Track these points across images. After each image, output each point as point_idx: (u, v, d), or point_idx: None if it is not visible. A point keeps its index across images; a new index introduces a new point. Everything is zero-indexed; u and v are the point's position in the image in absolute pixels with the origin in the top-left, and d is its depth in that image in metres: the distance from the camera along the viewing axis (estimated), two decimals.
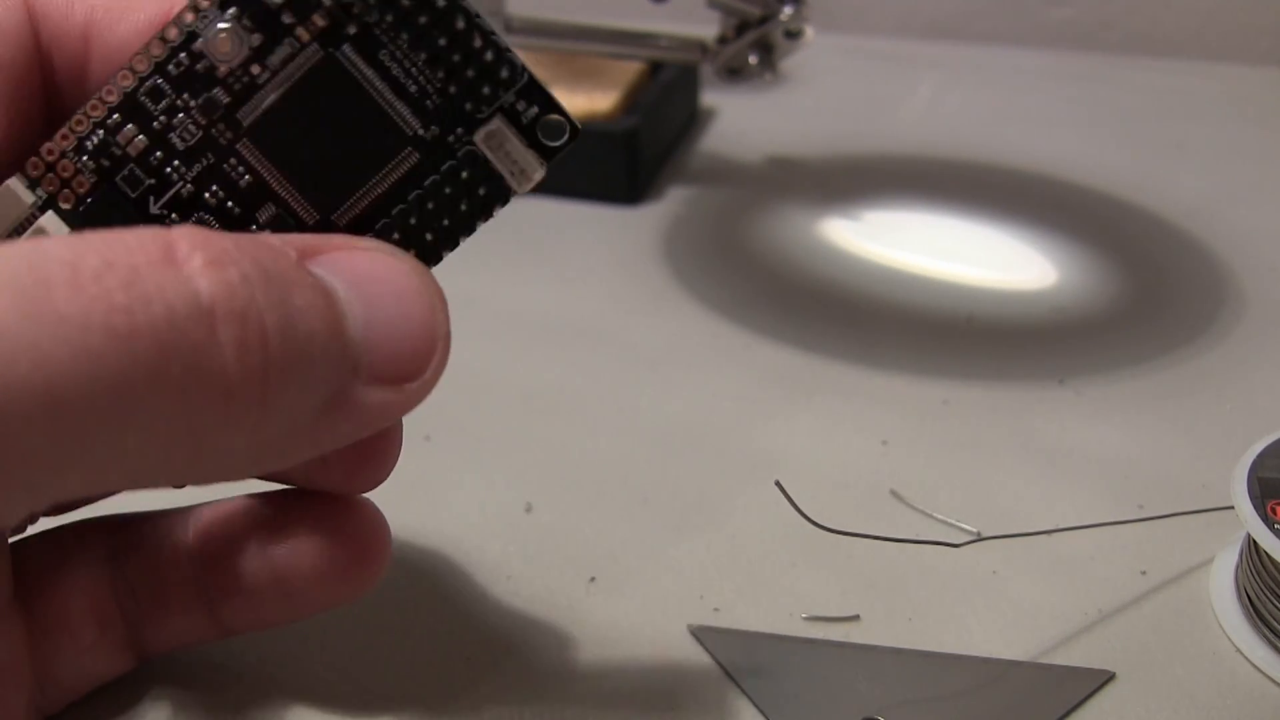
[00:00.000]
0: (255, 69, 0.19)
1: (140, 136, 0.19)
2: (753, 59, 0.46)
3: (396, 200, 0.19)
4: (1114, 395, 0.35)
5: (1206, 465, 0.31)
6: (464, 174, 0.19)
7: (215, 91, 0.19)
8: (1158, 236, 0.44)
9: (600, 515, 0.29)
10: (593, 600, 0.27)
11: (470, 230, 0.20)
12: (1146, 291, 0.41)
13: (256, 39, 0.19)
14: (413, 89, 0.19)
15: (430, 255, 0.20)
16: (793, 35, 0.45)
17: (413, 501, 0.30)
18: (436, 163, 0.19)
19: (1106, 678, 0.25)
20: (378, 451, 0.22)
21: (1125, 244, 0.44)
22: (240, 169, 0.19)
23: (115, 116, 0.19)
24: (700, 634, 0.26)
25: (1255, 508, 0.25)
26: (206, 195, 0.19)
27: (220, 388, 0.15)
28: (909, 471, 0.31)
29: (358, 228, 0.19)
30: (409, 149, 0.19)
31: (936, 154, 0.51)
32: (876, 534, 0.26)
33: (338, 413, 0.17)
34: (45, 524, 0.23)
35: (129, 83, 0.19)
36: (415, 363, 0.17)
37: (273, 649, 0.25)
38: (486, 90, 0.19)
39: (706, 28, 0.46)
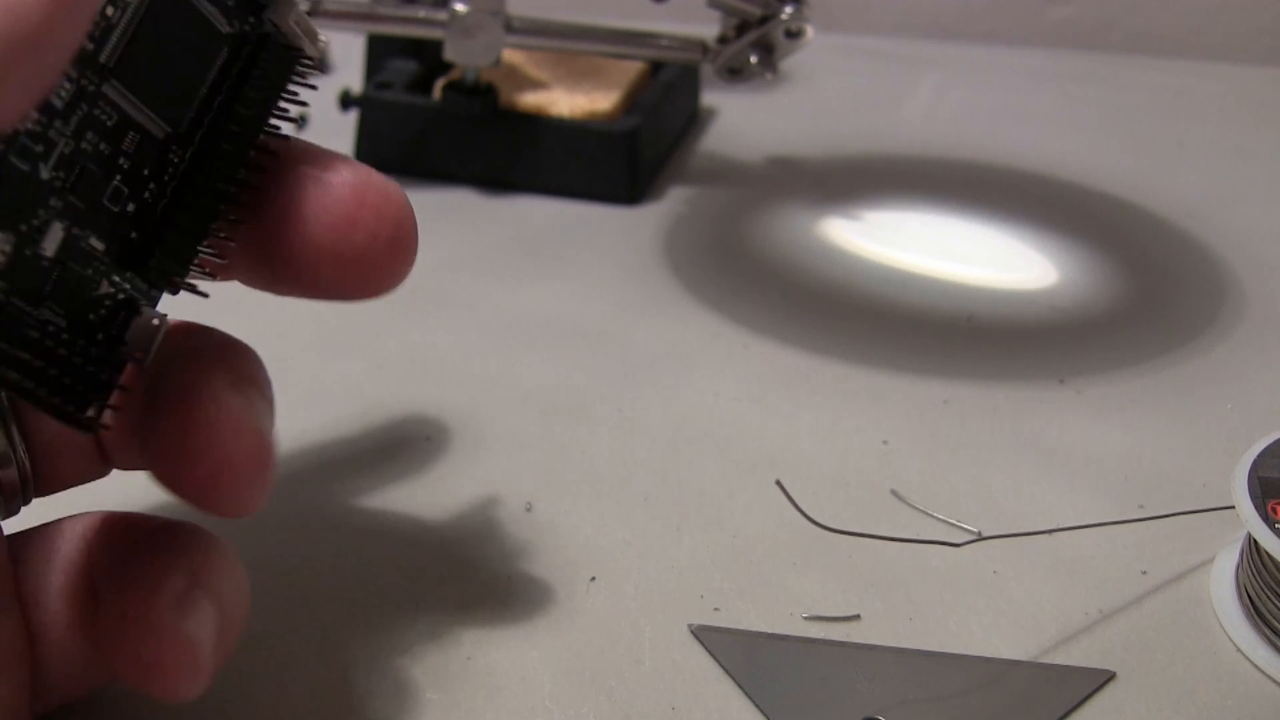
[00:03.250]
0: (109, 10, 0.20)
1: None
2: (753, 59, 0.46)
3: (215, 93, 0.21)
4: (1114, 395, 0.35)
5: (1207, 465, 0.31)
6: (263, 53, 0.21)
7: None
8: (1158, 236, 0.44)
9: (600, 515, 0.29)
10: (593, 600, 0.27)
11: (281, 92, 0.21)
12: (1147, 291, 0.41)
13: None
14: None
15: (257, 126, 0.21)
16: (793, 35, 0.45)
17: (413, 501, 0.30)
18: (239, 51, 0.21)
19: (1107, 677, 0.25)
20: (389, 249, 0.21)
21: (1126, 243, 0.44)
22: (108, 109, 0.20)
23: None
24: (700, 634, 0.26)
25: (1256, 507, 0.25)
26: (84, 145, 0.19)
27: None
28: (909, 471, 0.31)
29: (193, 129, 0.21)
30: (222, 47, 0.21)
31: (936, 154, 0.51)
32: (877, 533, 0.26)
33: None
34: (42, 518, 0.23)
35: None
36: None
37: (272, 648, 0.25)
38: None
39: (707, 27, 0.46)
